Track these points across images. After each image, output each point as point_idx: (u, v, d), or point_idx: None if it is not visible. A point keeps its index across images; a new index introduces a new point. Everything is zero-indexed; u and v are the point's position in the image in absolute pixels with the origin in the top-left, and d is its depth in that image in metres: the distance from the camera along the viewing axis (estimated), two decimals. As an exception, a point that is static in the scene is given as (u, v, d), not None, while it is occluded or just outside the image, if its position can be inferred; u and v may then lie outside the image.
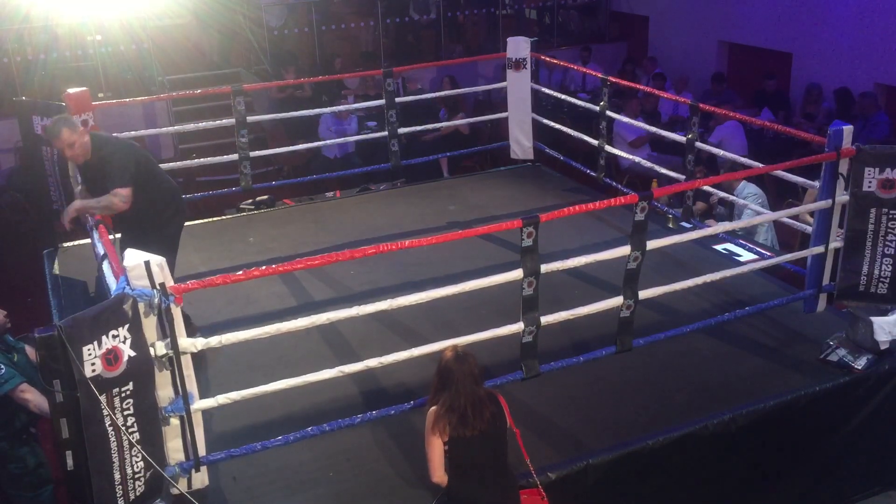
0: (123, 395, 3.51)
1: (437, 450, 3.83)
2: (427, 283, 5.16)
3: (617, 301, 4.81)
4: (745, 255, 6.60)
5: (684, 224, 6.97)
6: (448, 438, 3.79)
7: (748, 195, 7.11)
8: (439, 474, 3.86)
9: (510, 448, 3.97)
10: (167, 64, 11.90)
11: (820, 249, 5.33)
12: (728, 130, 9.34)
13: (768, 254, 6.49)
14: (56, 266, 6.76)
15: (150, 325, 3.64)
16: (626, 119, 8.22)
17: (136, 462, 3.62)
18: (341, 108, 9.28)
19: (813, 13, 10.92)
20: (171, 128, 9.74)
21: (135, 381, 3.55)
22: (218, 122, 7.80)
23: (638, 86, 8.62)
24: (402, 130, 8.09)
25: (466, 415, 3.78)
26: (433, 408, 3.87)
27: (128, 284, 3.56)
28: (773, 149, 9.40)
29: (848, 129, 5.05)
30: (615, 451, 4.45)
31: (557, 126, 8.38)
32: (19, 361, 4.86)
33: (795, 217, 6.14)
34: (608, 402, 4.90)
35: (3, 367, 4.71)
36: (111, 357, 3.41)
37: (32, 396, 4.71)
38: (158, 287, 3.59)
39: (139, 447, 3.59)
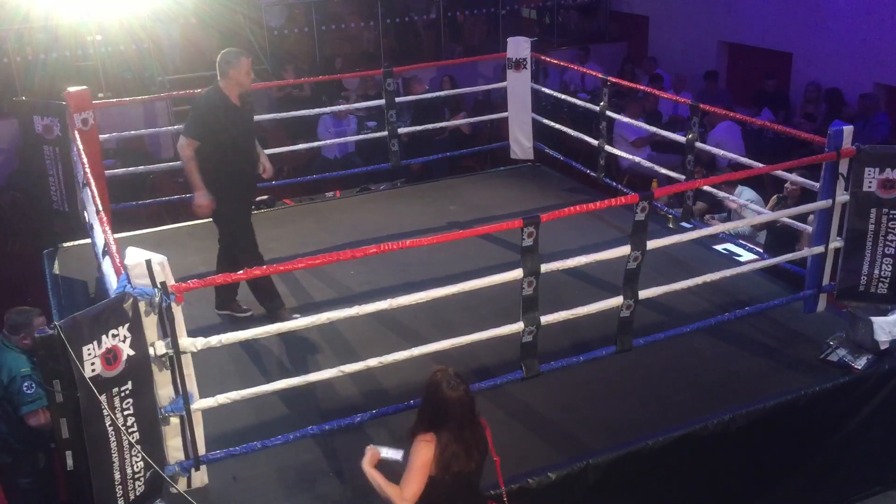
0: (123, 394, 3.51)
1: (422, 483, 3.49)
2: (427, 283, 5.16)
3: (617, 301, 4.82)
4: (745, 255, 6.61)
5: (684, 224, 6.97)
6: (445, 476, 3.50)
7: (746, 200, 7.09)
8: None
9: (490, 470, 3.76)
10: (167, 64, 11.89)
11: (820, 249, 5.33)
12: (721, 134, 9.27)
13: (768, 254, 6.49)
14: (56, 266, 6.76)
15: (150, 325, 3.64)
16: (626, 119, 8.22)
17: (136, 462, 3.62)
18: (341, 108, 9.28)
19: (813, 13, 10.91)
20: (171, 127, 9.74)
21: (133, 380, 3.56)
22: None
23: (637, 86, 8.62)
24: (402, 130, 8.09)
25: (470, 450, 3.52)
26: (428, 439, 3.52)
27: (129, 283, 3.56)
28: (773, 149, 9.39)
29: (848, 129, 5.06)
30: (615, 451, 4.44)
31: (557, 126, 8.39)
32: None
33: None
34: (608, 402, 4.90)
35: (34, 385, 4.72)
36: (110, 356, 3.42)
37: (48, 421, 4.68)
38: (159, 286, 3.59)
39: (139, 447, 3.59)
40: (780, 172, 5.81)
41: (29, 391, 4.72)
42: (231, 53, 5.48)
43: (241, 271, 4.30)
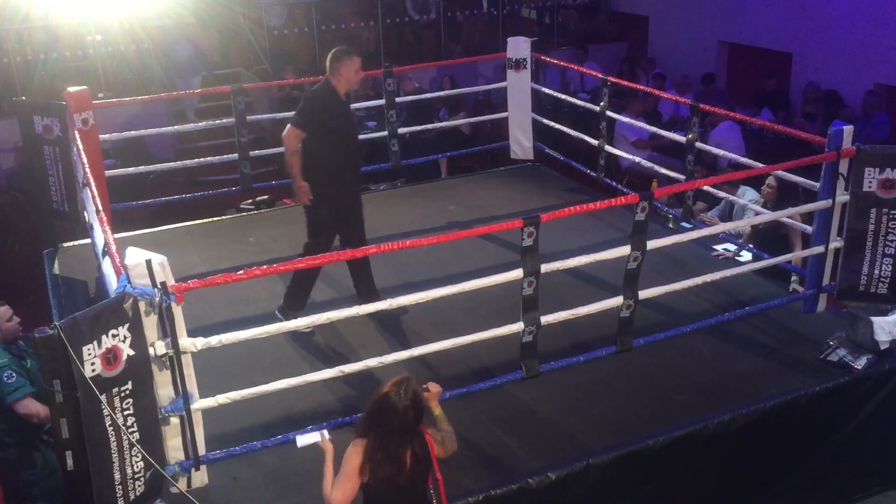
0: (123, 394, 3.51)
1: (348, 490, 3.46)
2: (427, 283, 5.16)
3: (617, 301, 4.82)
4: (745, 255, 6.60)
5: (684, 224, 6.97)
6: (372, 482, 3.47)
7: (749, 201, 7.07)
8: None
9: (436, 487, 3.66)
10: (167, 64, 11.90)
11: (820, 249, 5.33)
12: (721, 134, 9.25)
13: (767, 254, 6.49)
14: (56, 266, 6.76)
15: (150, 325, 3.64)
16: (627, 119, 8.21)
17: (136, 462, 3.62)
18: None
19: (813, 13, 10.91)
20: (171, 128, 9.74)
21: (134, 380, 3.56)
22: (218, 122, 7.80)
23: (638, 86, 8.61)
24: (402, 130, 8.08)
25: (400, 463, 3.45)
26: (357, 444, 3.50)
27: (129, 283, 3.56)
28: (773, 149, 9.38)
29: (848, 129, 5.06)
30: (615, 451, 4.45)
31: (557, 126, 8.39)
32: (32, 367, 4.85)
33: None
34: (608, 402, 4.90)
35: (14, 375, 4.72)
36: (110, 356, 3.42)
37: (36, 409, 4.71)
38: (159, 286, 3.59)
39: (139, 447, 3.59)
40: (779, 172, 5.80)
41: (9, 381, 4.70)
42: (342, 52, 5.52)
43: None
